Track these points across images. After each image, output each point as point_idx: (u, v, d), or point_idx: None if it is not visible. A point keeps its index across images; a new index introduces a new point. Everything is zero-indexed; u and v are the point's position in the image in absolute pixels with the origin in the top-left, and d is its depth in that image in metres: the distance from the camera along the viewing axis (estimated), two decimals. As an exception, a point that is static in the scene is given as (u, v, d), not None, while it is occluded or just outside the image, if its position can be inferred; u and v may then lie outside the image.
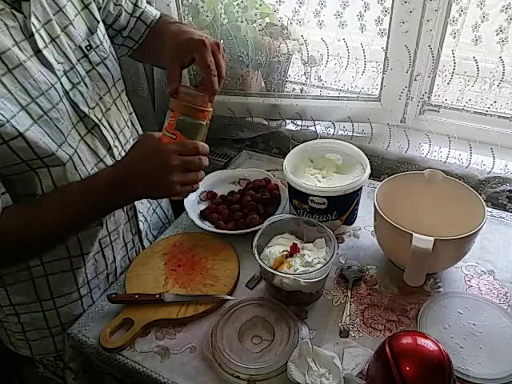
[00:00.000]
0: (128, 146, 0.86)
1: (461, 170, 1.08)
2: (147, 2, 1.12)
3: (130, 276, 0.88)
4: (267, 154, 1.26)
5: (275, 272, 0.75)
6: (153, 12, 0.90)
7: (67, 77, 0.71)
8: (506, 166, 1.06)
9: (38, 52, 0.66)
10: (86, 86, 0.75)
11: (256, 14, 1.14)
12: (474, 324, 0.76)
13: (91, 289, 0.86)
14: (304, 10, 1.06)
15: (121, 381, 0.80)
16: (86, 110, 0.74)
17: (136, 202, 0.93)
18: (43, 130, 0.67)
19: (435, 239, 0.72)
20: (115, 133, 0.83)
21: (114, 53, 0.83)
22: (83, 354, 0.79)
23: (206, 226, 0.97)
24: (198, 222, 0.97)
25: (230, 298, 0.82)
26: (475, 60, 0.98)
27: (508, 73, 0.98)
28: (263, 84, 1.29)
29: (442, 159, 1.11)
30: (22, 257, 0.73)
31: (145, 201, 1.02)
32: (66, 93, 0.71)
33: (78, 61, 0.74)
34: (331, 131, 1.24)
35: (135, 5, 0.87)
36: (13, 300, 0.82)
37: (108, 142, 0.80)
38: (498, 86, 1.01)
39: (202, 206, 1.04)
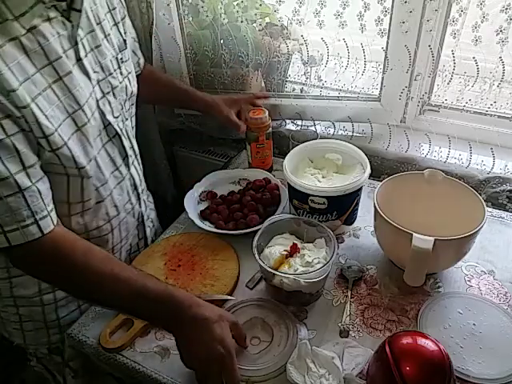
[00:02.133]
0: (139, 159, 0.93)
1: (461, 169, 1.08)
2: (148, 2, 1.13)
3: (130, 276, 0.88)
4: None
5: (275, 272, 0.75)
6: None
7: (99, 86, 0.74)
8: (506, 165, 1.06)
9: (78, 60, 0.69)
10: (114, 95, 0.78)
11: (256, 14, 1.14)
12: (474, 324, 0.76)
13: None
14: (304, 10, 1.06)
15: (121, 381, 0.80)
16: (111, 119, 0.77)
17: (145, 208, 0.97)
18: (82, 138, 0.70)
19: (435, 239, 0.72)
20: (131, 142, 0.87)
21: (134, 71, 0.88)
22: (83, 353, 0.79)
23: (206, 226, 0.97)
24: (197, 221, 0.97)
25: (230, 298, 0.82)
26: (475, 60, 0.98)
27: (508, 73, 0.98)
28: (263, 84, 1.28)
29: (442, 159, 1.11)
30: (57, 278, 0.71)
31: (152, 206, 1.06)
32: (97, 101, 0.74)
33: (115, 71, 0.78)
34: (331, 131, 1.24)
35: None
36: (15, 292, 0.83)
37: (125, 150, 0.83)
38: (497, 86, 1.01)
39: (202, 206, 1.04)
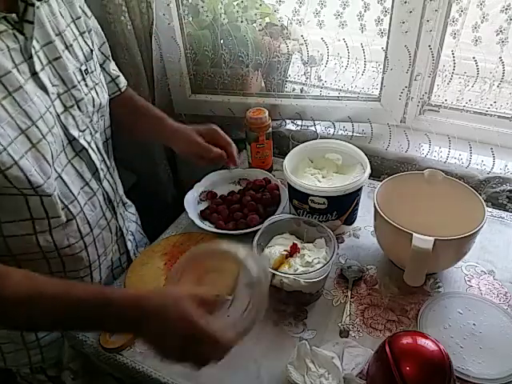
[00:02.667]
0: (113, 172, 0.89)
1: (461, 169, 1.08)
2: (148, 2, 1.13)
3: (130, 276, 0.88)
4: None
5: (275, 272, 0.75)
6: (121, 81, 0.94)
7: (60, 99, 0.71)
8: (506, 165, 1.06)
9: (34, 74, 0.65)
10: (80, 108, 0.74)
11: (256, 14, 1.14)
12: (474, 324, 0.76)
13: None
14: (304, 10, 1.06)
15: (121, 381, 0.80)
16: (75, 133, 0.74)
17: (123, 222, 0.93)
18: (38, 155, 0.65)
19: (435, 239, 0.72)
20: (102, 156, 0.83)
21: (103, 80, 0.85)
22: (83, 353, 0.79)
23: (206, 226, 0.97)
24: (197, 221, 0.97)
25: (230, 297, 0.82)
26: (475, 60, 0.98)
27: (508, 73, 0.98)
28: (263, 84, 1.28)
29: (442, 159, 1.11)
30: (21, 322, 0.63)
31: (134, 218, 1.02)
32: (58, 116, 0.70)
33: (79, 83, 0.74)
34: (331, 131, 1.24)
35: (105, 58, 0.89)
36: None
37: (95, 165, 0.79)
38: (497, 86, 1.01)
39: (202, 206, 1.04)
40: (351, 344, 0.73)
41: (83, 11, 0.79)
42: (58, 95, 0.70)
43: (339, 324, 0.77)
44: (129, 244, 0.96)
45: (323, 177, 0.95)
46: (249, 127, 1.09)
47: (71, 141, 0.74)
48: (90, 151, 0.78)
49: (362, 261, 0.90)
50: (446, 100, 1.09)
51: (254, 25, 1.15)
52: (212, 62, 1.23)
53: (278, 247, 0.82)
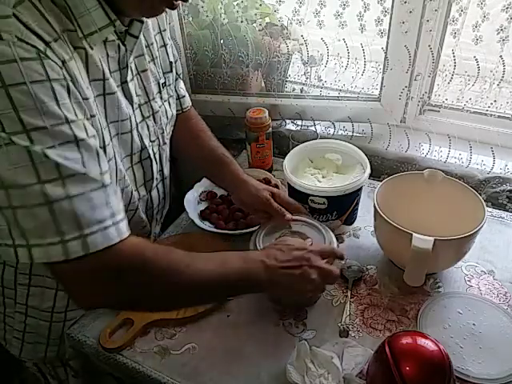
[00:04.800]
0: (167, 180, 0.89)
1: (461, 169, 1.08)
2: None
3: (130, 276, 0.87)
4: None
5: None
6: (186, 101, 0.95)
7: (140, 110, 0.74)
8: (506, 165, 1.06)
9: (123, 83, 0.68)
10: (154, 119, 0.77)
11: (256, 14, 1.15)
12: (473, 324, 0.76)
13: None
14: (304, 10, 1.06)
15: (121, 381, 0.80)
16: (147, 142, 0.76)
17: (156, 227, 0.95)
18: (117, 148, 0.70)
19: (435, 239, 0.72)
20: (162, 166, 0.85)
21: (175, 94, 0.87)
22: (83, 353, 0.79)
23: (206, 226, 0.97)
24: (198, 221, 0.97)
25: (229, 298, 0.82)
26: (476, 60, 0.98)
27: (508, 73, 0.98)
28: (263, 84, 1.28)
29: (442, 159, 1.11)
30: (170, 301, 0.66)
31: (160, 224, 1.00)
32: (137, 125, 0.73)
33: (156, 95, 0.77)
34: (331, 131, 1.24)
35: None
36: (30, 302, 0.81)
37: (152, 173, 0.80)
38: (498, 85, 1.01)
39: (202, 206, 1.04)
40: (351, 344, 0.73)
41: (166, 24, 0.81)
42: (140, 105, 0.73)
43: (339, 324, 0.77)
44: None
45: (323, 177, 0.95)
46: (249, 127, 1.09)
47: (142, 149, 0.76)
48: (153, 161, 0.79)
49: (362, 261, 0.90)
50: (446, 100, 1.09)
51: (254, 25, 1.15)
52: (212, 62, 1.23)
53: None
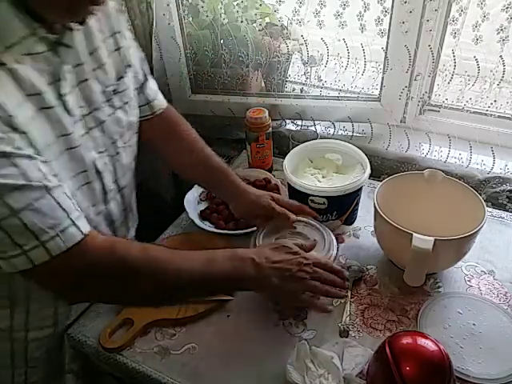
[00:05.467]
0: (126, 190, 0.82)
1: (461, 169, 1.08)
2: (148, 3, 1.14)
3: (130, 276, 0.87)
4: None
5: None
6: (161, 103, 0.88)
7: (84, 121, 0.69)
8: (506, 165, 1.06)
9: (61, 96, 0.63)
10: (102, 130, 0.72)
11: (256, 14, 1.15)
12: (473, 324, 0.76)
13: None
14: (304, 10, 1.06)
15: (121, 381, 0.80)
16: (95, 154, 0.71)
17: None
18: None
19: (435, 239, 0.72)
20: (116, 176, 0.79)
21: (136, 97, 0.81)
22: (83, 354, 0.79)
23: (206, 226, 0.97)
24: (198, 221, 0.97)
25: (229, 298, 0.82)
26: (476, 60, 0.98)
27: (508, 72, 0.97)
28: (263, 84, 1.28)
29: (442, 159, 1.11)
30: (149, 297, 0.66)
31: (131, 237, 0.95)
32: (80, 137, 0.68)
33: (103, 104, 0.71)
34: (331, 131, 1.24)
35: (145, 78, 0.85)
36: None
37: (105, 187, 0.75)
38: (498, 85, 1.01)
39: (202, 206, 1.04)
40: (351, 344, 0.73)
41: (122, 26, 0.76)
42: (83, 116, 0.68)
43: (339, 324, 0.77)
44: None
45: (323, 177, 0.95)
46: (249, 127, 1.09)
47: (91, 162, 0.71)
48: (104, 173, 0.74)
49: (362, 261, 0.90)
50: (446, 100, 1.09)
51: (254, 25, 1.15)
52: (212, 62, 1.23)
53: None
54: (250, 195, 0.88)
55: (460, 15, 0.95)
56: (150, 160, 1.46)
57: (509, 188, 1.04)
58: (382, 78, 1.11)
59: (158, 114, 0.88)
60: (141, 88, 0.83)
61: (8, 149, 0.53)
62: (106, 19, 0.71)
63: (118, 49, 0.74)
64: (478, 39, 0.95)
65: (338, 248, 0.82)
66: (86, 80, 0.67)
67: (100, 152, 0.72)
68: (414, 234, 0.73)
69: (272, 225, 0.84)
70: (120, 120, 0.75)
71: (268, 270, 0.68)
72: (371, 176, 0.95)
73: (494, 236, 0.94)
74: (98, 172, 0.73)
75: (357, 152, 0.96)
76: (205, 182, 0.96)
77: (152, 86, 0.87)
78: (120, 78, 0.74)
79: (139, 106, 0.83)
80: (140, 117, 0.83)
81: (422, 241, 0.72)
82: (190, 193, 1.06)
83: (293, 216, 0.85)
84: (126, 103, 0.76)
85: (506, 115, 1.06)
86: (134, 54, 0.80)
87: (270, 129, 1.10)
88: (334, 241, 0.80)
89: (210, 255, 0.68)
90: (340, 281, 0.73)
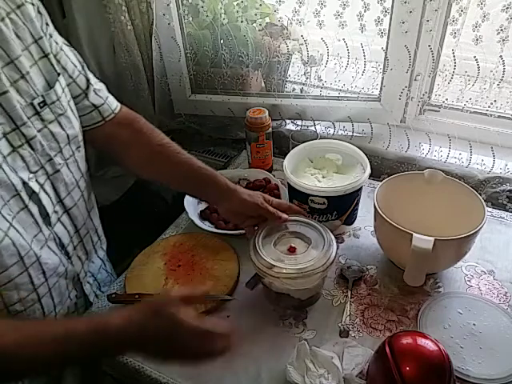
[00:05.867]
0: (75, 210, 0.76)
1: (461, 169, 1.08)
2: (148, 2, 1.13)
3: (130, 276, 0.88)
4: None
5: (265, 272, 0.74)
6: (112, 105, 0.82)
7: (7, 139, 0.62)
8: (506, 165, 1.06)
9: None
10: (32, 147, 0.65)
11: (256, 14, 1.15)
12: (473, 324, 0.76)
13: None
14: (304, 10, 1.06)
15: (121, 381, 0.80)
16: (25, 175, 0.65)
17: (81, 265, 0.81)
18: None
19: (435, 239, 0.72)
20: (59, 197, 0.72)
21: (73, 107, 0.74)
22: (83, 354, 0.79)
23: (206, 226, 0.97)
24: (197, 222, 0.97)
25: (229, 298, 0.82)
26: (476, 60, 0.98)
27: (508, 72, 0.97)
28: (263, 84, 1.29)
29: (442, 159, 1.11)
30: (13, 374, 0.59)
31: (101, 255, 0.91)
32: (4, 158, 0.61)
33: (29, 119, 0.64)
34: (331, 131, 1.24)
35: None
36: None
37: (46, 209, 0.69)
38: (498, 85, 1.01)
39: (202, 206, 1.04)
40: (351, 344, 0.73)
41: (47, 31, 0.69)
42: (4, 135, 0.61)
43: (339, 324, 0.77)
44: (87, 288, 0.84)
45: (323, 177, 0.95)
46: (249, 127, 1.09)
47: (24, 184, 0.65)
48: (42, 194, 0.68)
49: (362, 261, 0.90)
50: (446, 100, 1.09)
51: (254, 25, 1.15)
52: (212, 62, 1.23)
53: (277, 247, 0.82)
54: (242, 195, 0.83)
55: (460, 15, 0.95)
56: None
57: (509, 188, 1.04)
58: (382, 78, 1.11)
59: (111, 119, 0.81)
60: (84, 94, 0.77)
61: None
62: (27, 25, 0.65)
63: (44, 56, 0.67)
64: (478, 39, 0.95)
65: (337, 248, 0.82)
66: (4, 93, 0.61)
67: (34, 172, 0.66)
68: (414, 234, 0.73)
69: (270, 226, 0.84)
70: (55, 134, 0.69)
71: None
72: (371, 176, 0.95)
73: (494, 236, 0.94)
74: (34, 193, 0.66)
75: (357, 152, 0.96)
76: (186, 189, 0.90)
77: (99, 89, 0.80)
78: (50, 87, 0.68)
79: (85, 114, 0.77)
80: (89, 125, 0.78)
81: (422, 241, 0.72)
82: (190, 193, 1.06)
83: (284, 215, 0.81)
84: (61, 115, 0.70)
85: (506, 115, 1.06)
86: (69, 59, 0.74)
87: (270, 129, 1.10)
88: (334, 240, 0.79)
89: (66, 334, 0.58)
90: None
